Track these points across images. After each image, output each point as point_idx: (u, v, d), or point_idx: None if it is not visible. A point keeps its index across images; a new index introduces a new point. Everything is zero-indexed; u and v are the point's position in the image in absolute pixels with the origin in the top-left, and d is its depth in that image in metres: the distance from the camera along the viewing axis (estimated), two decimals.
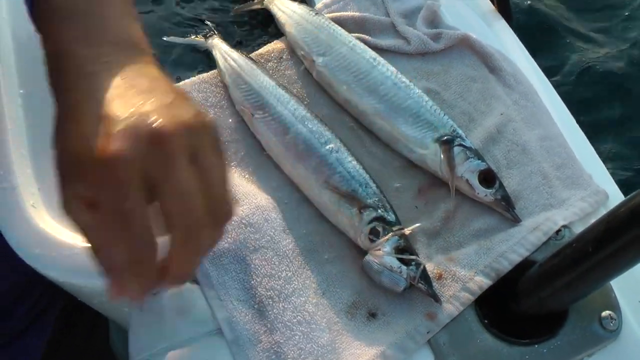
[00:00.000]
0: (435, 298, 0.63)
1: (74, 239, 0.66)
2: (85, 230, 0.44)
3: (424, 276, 0.64)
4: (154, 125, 0.44)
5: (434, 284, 0.65)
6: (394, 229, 0.66)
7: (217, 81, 0.80)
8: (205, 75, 0.80)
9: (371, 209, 0.67)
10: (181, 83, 0.79)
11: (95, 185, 0.43)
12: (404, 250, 0.65)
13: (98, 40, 0.51)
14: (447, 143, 0.70)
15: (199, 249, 0.48)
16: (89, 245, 0.45)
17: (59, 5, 0.52)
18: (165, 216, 0.44)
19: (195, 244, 0.46)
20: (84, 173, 0.44)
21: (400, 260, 0.64)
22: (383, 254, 0.65)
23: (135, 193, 0.43)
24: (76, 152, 0.45)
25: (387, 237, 0.65)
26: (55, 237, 0.66)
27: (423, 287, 0.64)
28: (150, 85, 0.48)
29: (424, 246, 0.68)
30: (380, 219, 0.67)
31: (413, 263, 0.64)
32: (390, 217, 0.67)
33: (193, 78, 0.79)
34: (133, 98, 0.46)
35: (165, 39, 0.87)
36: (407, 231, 0.66)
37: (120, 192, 0.43)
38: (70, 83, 0.48)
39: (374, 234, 0.66)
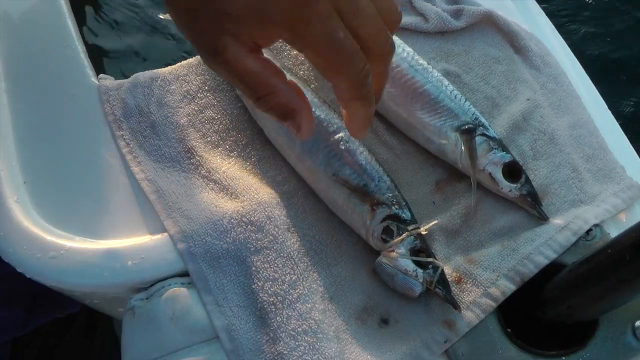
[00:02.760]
0: (454, 305, 0.58)
1: (60, 239, 0.62)
2: (249, 76, 0.47)
3: (442, 280, 0.59)
4: None
5: (452, 288, 0.60)
6: (409, 228, 0.60)
7: None
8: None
9: (384, 205, 0.61)
10: (177, 65, 0.73)
11: (291, 25, 0.46)
12: (420, 251, 0.60)
13: None
14: (469, 132, 0.64)
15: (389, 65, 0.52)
16: (252, 94, 0.48)
17: None
18: (363, 40, 0.48)
19: (387, 59, 0.51)
20: (268, 14, 0.45)
21: (416, 262, 0.59)
22: (397, 255, 0.59)
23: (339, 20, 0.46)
24: None
25: (401, 237, 0.60)
26: (41, 237, 0.61)
27: (441, 293, 0.58)
28: None
29: (442, 246, 0.62)
30: (394, 217, 0.61)
31: (430, 266, 0.59)
32: (405, 214, 0.61)
33: (190, 60, 0.73)
34: None
35: (161, 16, 0.81)
36: (423, 230, 0.60)
37: (328, 23, 0.46)
38: None
39: (387, 234, 0.60)
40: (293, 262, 0.60)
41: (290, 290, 0.59)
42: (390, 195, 0.62)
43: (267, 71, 0.48)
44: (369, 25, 0.48)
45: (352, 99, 0.50)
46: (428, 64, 0.68)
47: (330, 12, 0.47)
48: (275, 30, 0.47)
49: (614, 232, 0.64)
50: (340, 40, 0.47)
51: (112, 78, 0.74)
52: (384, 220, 0.61)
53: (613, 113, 0.73)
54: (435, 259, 0.60)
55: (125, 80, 0.73)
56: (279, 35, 0.47)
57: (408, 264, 0.59)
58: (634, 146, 0.71)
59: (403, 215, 0.61)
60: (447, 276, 0.60)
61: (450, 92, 0.66)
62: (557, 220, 0.63)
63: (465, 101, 0.66)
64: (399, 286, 0.59)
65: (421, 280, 0.59)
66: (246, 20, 0.46)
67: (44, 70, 0.73)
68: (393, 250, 0.60)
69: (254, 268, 0.59)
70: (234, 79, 0.49)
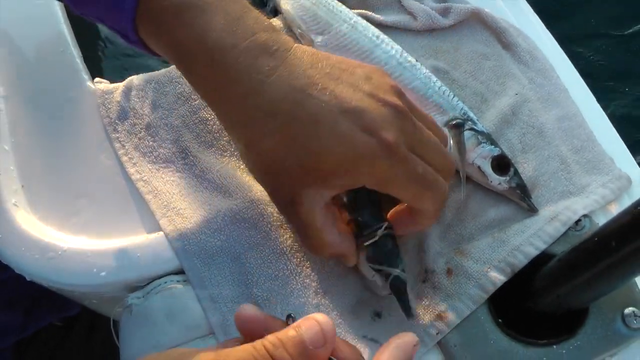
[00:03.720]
0: (407, 314, 0.56)
1: (58, 240, 0.63)
2: (313, 230, 0.54)
3: (395, 287, 0.56)
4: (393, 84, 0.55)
5: (444, 281, 0.61)
6: (364, 233, 0.57)
7: None
8: None
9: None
10: (171, 67, 0.74)
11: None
12: (379, 255, 0.57)
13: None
14: (457, 127, 0.65)
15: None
16: (311, 244, 0.56)
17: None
18: (434, 167, 0.54)
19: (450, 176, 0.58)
20: (358, 168, 0.51)
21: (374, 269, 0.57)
22: (361, 262, 0.58)
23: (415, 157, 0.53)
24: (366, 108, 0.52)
25: (360, 244, 0.58)
26: (38, 238, 0.62)
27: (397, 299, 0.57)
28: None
29: (435, 241, 0.63)
30: (355, 220, 0.58)
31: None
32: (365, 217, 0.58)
33: None
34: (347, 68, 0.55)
35: None
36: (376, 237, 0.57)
37: (409, 164, 0.52)
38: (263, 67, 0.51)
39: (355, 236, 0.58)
40: (286, 258, 0.61)
41: (284, 286, 0.60)
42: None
43: (329, 227, 0.54)
44: (436, 154, 0.55)
45: (432, 217, 0.57)
46: (417, 60, 0.69)
47: (407, 153, 0.52)
48: (362, 180, 0.52)
49: (603, 222, 0.65)
50: (421, 174, 0.53)
51: (108, 82, 0.75)
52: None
53: (602, 107, 0.74)
54: (395, 262, 0.57)
55: (120, 83, 0.74)
56: (363, 183, 0.52)
57: (367, 270, 0.58)
58: (622, 138, 0.72)
59: (362, 218, 0.58)
60: (439, 269, 0.61)
61: (439, 88, 0.67)
62: (546, 212, 0.64)
63: (453, 97, 0.67)
64: (373, 288, 0.60)
65: (380, 285, 0.58)
66: (335, 175, 0.51)
67: (40, 75, 0.75)
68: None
69: (248, 264, 0.60)
70: (298, 228, 0.55)
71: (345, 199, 0.58)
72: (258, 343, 0.39)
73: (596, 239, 0.52)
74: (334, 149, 0.50)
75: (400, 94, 0.55)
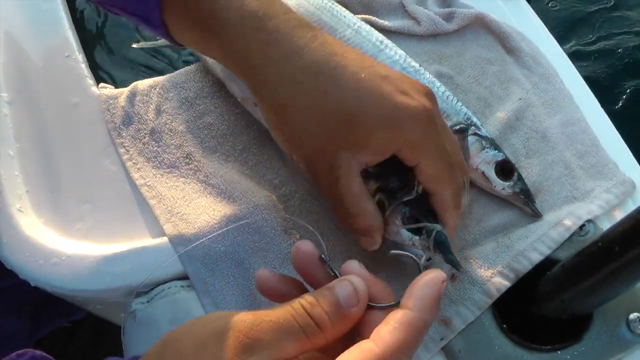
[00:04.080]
0: (455, 265, 0.55)
1: (62, 246, 0.63)
2: (350, 195, 0.54)
3: (439, 242, 0.55)
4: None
5: (448, 286, 0.60)
6: (397, 197, 0.57)
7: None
8: (200, 64, 0.75)
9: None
10: (176, 72, 0.74)
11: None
12: (411, 217, 0.57)
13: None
14: (461, 132, 0.65)
15: None
16: (344, 212, 0.55)
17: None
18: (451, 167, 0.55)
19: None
20: (398, 137, 0.52)
21: (411, 230, 0.56)
22: (394, 228, 0.57)
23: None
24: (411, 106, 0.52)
25: (390, 208, 0.57)
26: (42, 244, 0.63)
27: (440, 255, 0.55)
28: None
29: None
30: (381, 189, 0.58)
31: (424, 230, 0.56)
32: (394, 183, 0.57)
33: (188, 67, 0.75)
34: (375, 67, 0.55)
35: (134, 46, 0.83)
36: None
37: (441, 136, 0.54)
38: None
39: (381, 207, 0.57)
40: (290, 264, 0.61)
41: None
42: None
43: (365, 194, 0.55)
44: (455, 150, 0.57)
45: (453, 208, 0.56)
46: (420, 66, 0.69)
47: (440, 125, 0.54)
48: (397, 142, 0.53)
49: (607, 227, 0.65)
50: (448, 151, 0.54)
51: (113, 87, 0.75)
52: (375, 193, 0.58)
53: (605, 110, 0.73)
54: (435, 219, 0.56)
55: (124, 89, 0.74)
56: (398, 147, 0.53)
57: (404, 234, 0.57)
58: (626, 143, 0.72)
59: (392, 185, 0.58)
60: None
61: (442, 93, 0.67)
62: (550, 217, 0.64)
63: (457, 102, 0.67)
64: (409, 258, 0.55)
65: (420, 247, 0.56)
66: (373, 135, 0.52)
67: (45, 80, 0.75)
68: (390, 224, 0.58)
69: (252, 270, 0.60)
70: (334, 195, 0.54)
71: (372, 171, 0.56)
72: (295, 302, 0.40)
73: (600, 244, 0.52)
74: (374, 109, 0.51)
75: (432, 96, 0.56)
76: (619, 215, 0.66)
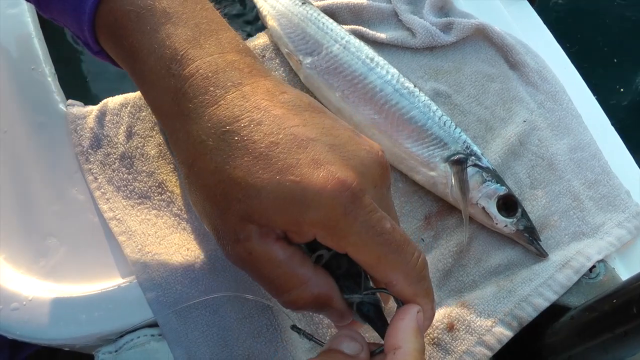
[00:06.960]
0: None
1: (23, 287, 0.58)
2: (275, 266, 0.44)
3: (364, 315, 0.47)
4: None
5: (444, 336, 0.55)
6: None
7: None
8: None
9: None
10: None
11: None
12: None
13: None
14: (459, 163, 0.59)
15: None
16: (278, 289, 0.45)
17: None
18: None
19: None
20: (306, 213, 0.42)
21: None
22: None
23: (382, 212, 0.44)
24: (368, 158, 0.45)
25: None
26: (2, 286, 0.58)
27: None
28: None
29: (433, 289, 0.57)
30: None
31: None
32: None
33: None
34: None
35: None
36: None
37: (374, 215, 0.43)
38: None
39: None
40: (270, 312, 0.55)
41: (268, 343, 0.54)
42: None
43: (295, 259, 0.44)
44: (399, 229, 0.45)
45: (415, 295, 0.44)
46: (415, 86, 0.63)
47: (373, 205, 0.43)
48: (312, 231, 0.42)
49: (618, 266, 0.60)
50: (389, 231, 0.43)
51: (82, 104, 0.69)
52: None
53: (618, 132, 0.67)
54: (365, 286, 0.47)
55: (94, 107, 0.68)
56: (314, 234, 0.43)
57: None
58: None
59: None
60: (439, 322, 0.55)
61: (439, 119, 0.61)
62: (557, 257, 0.58)
63: (455, 128, 0.61)
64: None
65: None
66: (275, 222, 0.43)
67: (6, 96, 0.69)
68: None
69: (228, 319, 0.55)
70: (256, 272, 0.45)
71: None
72: None
73: (614, 301, 0.47)
74: (274, 185, 0.42)
75: (378, 166, 0.46)
76: (632, 252, 0.61)
